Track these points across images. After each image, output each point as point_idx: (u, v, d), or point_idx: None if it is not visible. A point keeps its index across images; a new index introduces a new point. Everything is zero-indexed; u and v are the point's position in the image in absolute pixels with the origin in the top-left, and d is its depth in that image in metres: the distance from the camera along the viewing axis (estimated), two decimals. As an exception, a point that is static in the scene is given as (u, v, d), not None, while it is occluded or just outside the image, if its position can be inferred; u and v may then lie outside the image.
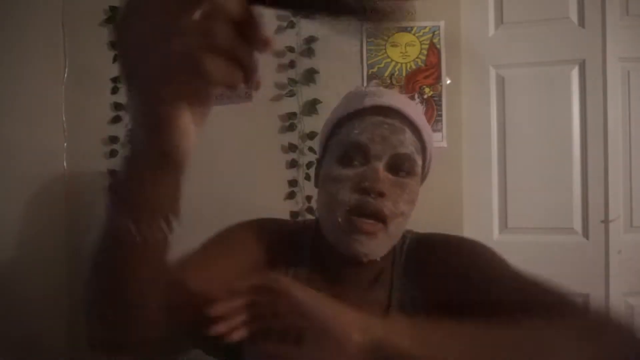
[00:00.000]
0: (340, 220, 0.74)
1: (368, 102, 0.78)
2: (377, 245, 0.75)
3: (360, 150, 0.75)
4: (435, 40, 1.70)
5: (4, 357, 1.48)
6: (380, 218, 0.73)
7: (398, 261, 0.83)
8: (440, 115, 1.70)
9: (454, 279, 0.74)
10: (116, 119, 1.78)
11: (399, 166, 0.76)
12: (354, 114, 0.78)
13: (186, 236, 1.93)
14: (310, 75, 1.70)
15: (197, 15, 0.33)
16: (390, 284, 0.81)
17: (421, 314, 0.70)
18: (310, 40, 1.70)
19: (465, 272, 0.74)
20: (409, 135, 0.77)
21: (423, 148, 0.81)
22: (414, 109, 0.81)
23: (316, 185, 0.86)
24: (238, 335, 0.56)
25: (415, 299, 0.79)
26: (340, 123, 0.80)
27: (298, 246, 0.85)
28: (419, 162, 0.79)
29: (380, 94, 0.80)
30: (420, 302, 0.78)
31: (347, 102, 0.82)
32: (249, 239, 0.83)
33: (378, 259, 0.77)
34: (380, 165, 0.74)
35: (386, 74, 1.71)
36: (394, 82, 1.71)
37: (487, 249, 0.79)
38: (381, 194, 0.73)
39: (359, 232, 0.73)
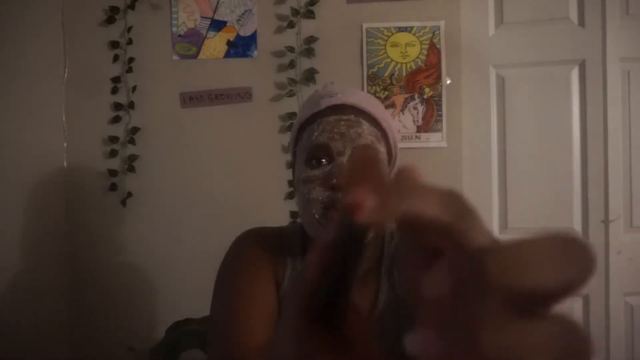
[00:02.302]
0: (317, 216, 0.77)
1: (324, 103, 0.81)
2: None
3: (323, 150, 0.78)
4: (435, 40, 1.70)
5: (4, 357, 1.48)
6: None
7: (385, 262, 0.85)
8: (440, 115, 1.70)
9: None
10: (116, 119, 1.78)
11: None
12: (312, 118, 0.82)
13: (187, 234, 1.93)
14: (310, 75, 1.70)
15: None
16: (378, 284, 0.84)
17: (402, 314, 0.75)
18: (310, 40, 1.70)
19: None
20: (366, 127, 0.80)
21: (385, 136, 0.84)
22: (369, 101, 0.85)
23: (295, 189, 0.89)
24: None
25: (397, 299, 0.81)
26: (302, 128, 0.83)
27: (289, 249, 0.87)
28: (382, 149, 0.82)
29: (335, 93, 0.83)
30: (402, 302, 0.80)
31: (306, 107, 0.86)
32: (256, 260, 0.85)
33: None
34: (345, 160, 0.77)
35: (386, 74, 1.71)
36: (394, 82, 1.71)
37: None
38: None
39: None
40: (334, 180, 0.76)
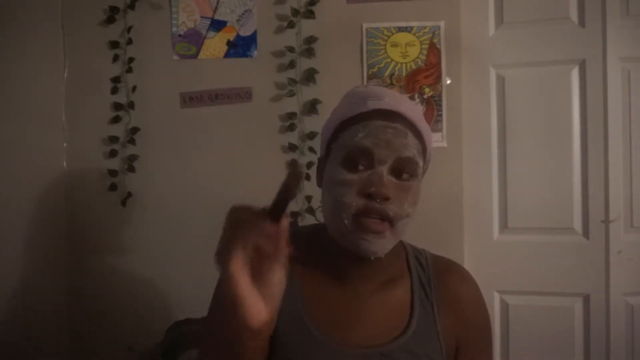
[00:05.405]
0: (346, 222, 0.75)
1: (371, 105, 0.78)
2: (384, 244, 0.77)
3: (365, 154, 0.75)
4: (435, 40, 1.70)
5: (3, 356, 1.48)
6: (387, 219, 0.75)
7: (417, 270, 0.87)
8: (440, 115, 1.70)
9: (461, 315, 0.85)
10: (116, 119, 1.78)
11: (403, 169, 0.77)
12: (357, 117, 0.78)
13: (187, 234, 1.93)
14: (310, 75, 1.70)
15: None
16: (411, 288, 0.84)
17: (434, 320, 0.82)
18: (310, 40, 1.70)
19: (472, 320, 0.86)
20: (411, 139, 0.78)
21: (424, 149, 0.82)
22: (415, 111, 0.83)
23: (319, 184, 0.86)
24: None
25: (432, 307, 0.84)
26: (343, 125, 0.80)
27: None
28: (421, 163, 0.81)
29: (382, 95, 0.80)
30: (437, 311, 0.83)
31: (349, 103, 0.82)
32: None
33: (383, 256, 0.79)
34: (385, 170, 0.75)
35: (386, 74, 1.71)
36: (394, 82, 1.71)
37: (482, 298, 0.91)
38: (386, 199, 0.74)
39: (366, 231, 0.75)
40: (372, 189, 0.74)
